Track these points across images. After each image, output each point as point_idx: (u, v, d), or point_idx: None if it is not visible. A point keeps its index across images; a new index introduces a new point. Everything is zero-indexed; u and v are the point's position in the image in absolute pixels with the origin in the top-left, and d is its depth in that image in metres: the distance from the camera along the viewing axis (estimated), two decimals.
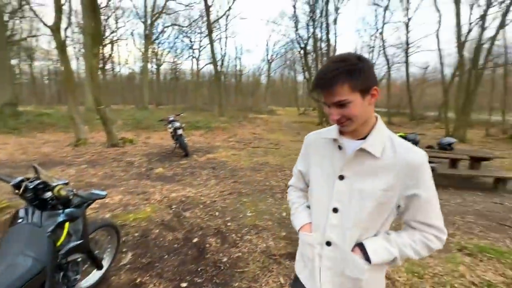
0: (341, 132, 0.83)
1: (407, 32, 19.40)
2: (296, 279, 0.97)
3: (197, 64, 33.79)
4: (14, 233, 1.12)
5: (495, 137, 11.40)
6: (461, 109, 10.74)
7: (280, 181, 4.47)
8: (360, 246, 0.79)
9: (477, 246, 2.45)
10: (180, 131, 6.06)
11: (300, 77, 37.63)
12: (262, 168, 5.28)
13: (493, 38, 10.77)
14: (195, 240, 2.52)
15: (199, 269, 2.10)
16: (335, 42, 18.67)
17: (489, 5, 10.72)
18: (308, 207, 0.98)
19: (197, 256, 2.28)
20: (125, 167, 5.16)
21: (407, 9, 19.17)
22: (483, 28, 10.71)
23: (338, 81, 0.69)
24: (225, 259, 2.22)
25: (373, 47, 26.00)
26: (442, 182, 4.43)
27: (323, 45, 17.43)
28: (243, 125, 13.21)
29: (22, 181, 1.27)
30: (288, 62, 35.66)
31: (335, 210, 0.81)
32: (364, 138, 0.79)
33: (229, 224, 2.86)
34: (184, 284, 1.92)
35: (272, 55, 35.61)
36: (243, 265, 2.15)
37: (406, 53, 19.87)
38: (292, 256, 2.29)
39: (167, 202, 3.36)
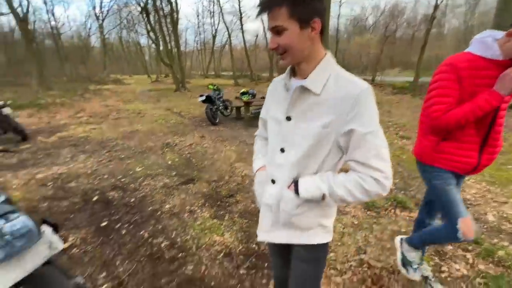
0: (294, 74, 0.81)
1: (239, 1, 22.13)
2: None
3: None
4: None
5: None
6: (280, 70, 14.54)
7: (156, 141, 4.93)
8: (295, 182, 0.81)
9: None
10: (6, 110, 4.77)
11: (144, 40, 33.95)
12: (133, 136, 5.40)
13: None
14: (95, 198, 2.77)
15: (111, 212, 2.51)
16: (176, 3, 18.29)
17: None
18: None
19: (105, 206, 2.62)
20: None
21: None
22: None
23: (275, 4, 0.66)
24: (132, 200, 2.73)
25: (213, 12, 27.47)
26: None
27: (164, 5, 16.72)
28: (89, 99, 11.27)
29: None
30: (125, 21, 30.91)
31: (282, 150, 0.83)
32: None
33: (123, 180, 3.22)
34: (104, 223, 2.33)
35: (101, 10, 29.41)
36: (150, 198, 2.77)
37: (241, 21, 22.78)
38: (184, 182, 3.12)
39: (37, 183, 3.11)
